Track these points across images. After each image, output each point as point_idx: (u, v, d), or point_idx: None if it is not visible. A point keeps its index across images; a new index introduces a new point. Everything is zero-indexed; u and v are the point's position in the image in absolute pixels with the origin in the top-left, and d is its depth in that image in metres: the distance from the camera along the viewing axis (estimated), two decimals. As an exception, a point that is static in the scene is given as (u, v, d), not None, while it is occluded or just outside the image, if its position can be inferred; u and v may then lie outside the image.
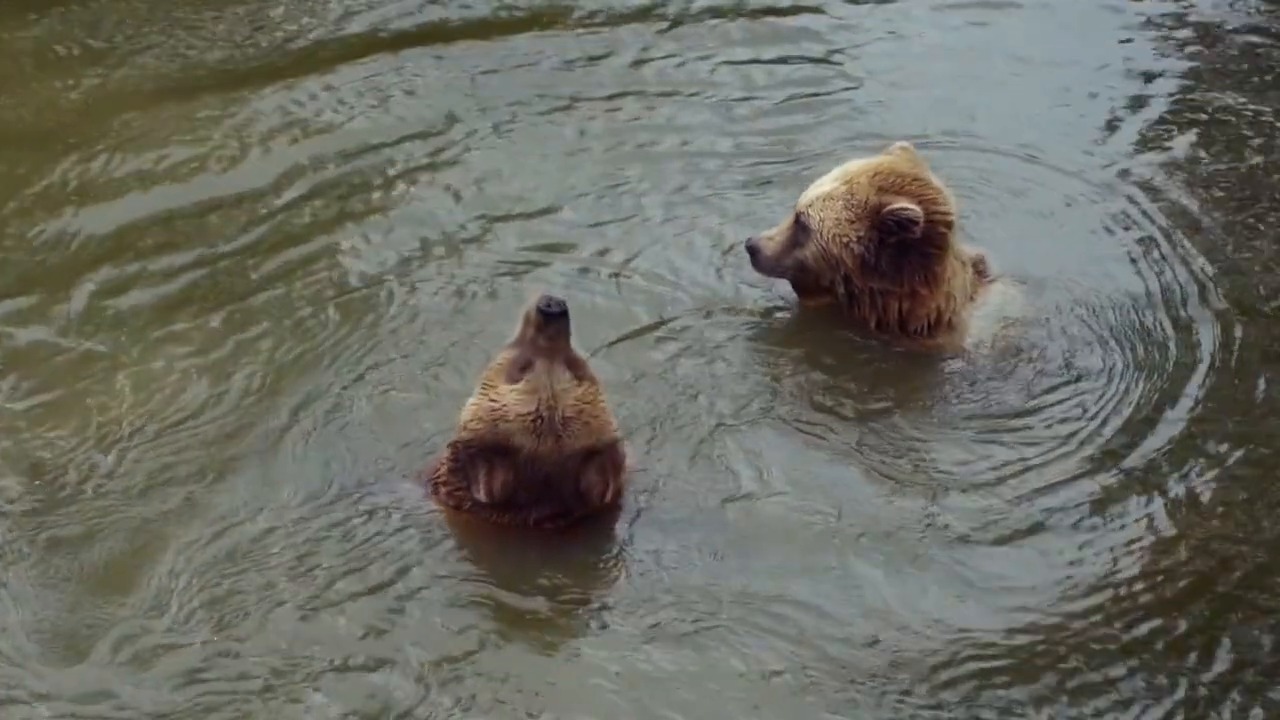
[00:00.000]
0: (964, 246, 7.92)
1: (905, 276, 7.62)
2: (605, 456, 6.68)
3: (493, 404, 6.63)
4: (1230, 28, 10.70)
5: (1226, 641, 6.45)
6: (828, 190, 7.72)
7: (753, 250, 7.92)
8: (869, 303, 7.72)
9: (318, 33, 10.39)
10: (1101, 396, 7.59)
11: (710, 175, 9.10)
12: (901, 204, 7.48)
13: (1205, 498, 7.06)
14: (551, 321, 6.58)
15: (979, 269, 7.89)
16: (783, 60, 10.19)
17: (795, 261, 7.82)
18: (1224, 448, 7.32)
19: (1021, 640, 6.44)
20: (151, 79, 9.93)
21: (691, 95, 9.84)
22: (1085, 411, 7.51)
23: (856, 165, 7.77)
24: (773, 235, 7.89)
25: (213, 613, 6.45)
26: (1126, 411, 7.52)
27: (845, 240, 7.63)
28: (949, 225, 7.62)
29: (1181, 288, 8.27)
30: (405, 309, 8.06)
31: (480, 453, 6.66)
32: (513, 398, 6.61)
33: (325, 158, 9.25)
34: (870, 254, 7.61)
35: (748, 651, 6.37)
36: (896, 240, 7.58)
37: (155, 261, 8.42)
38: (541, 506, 6.71)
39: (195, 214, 8.79)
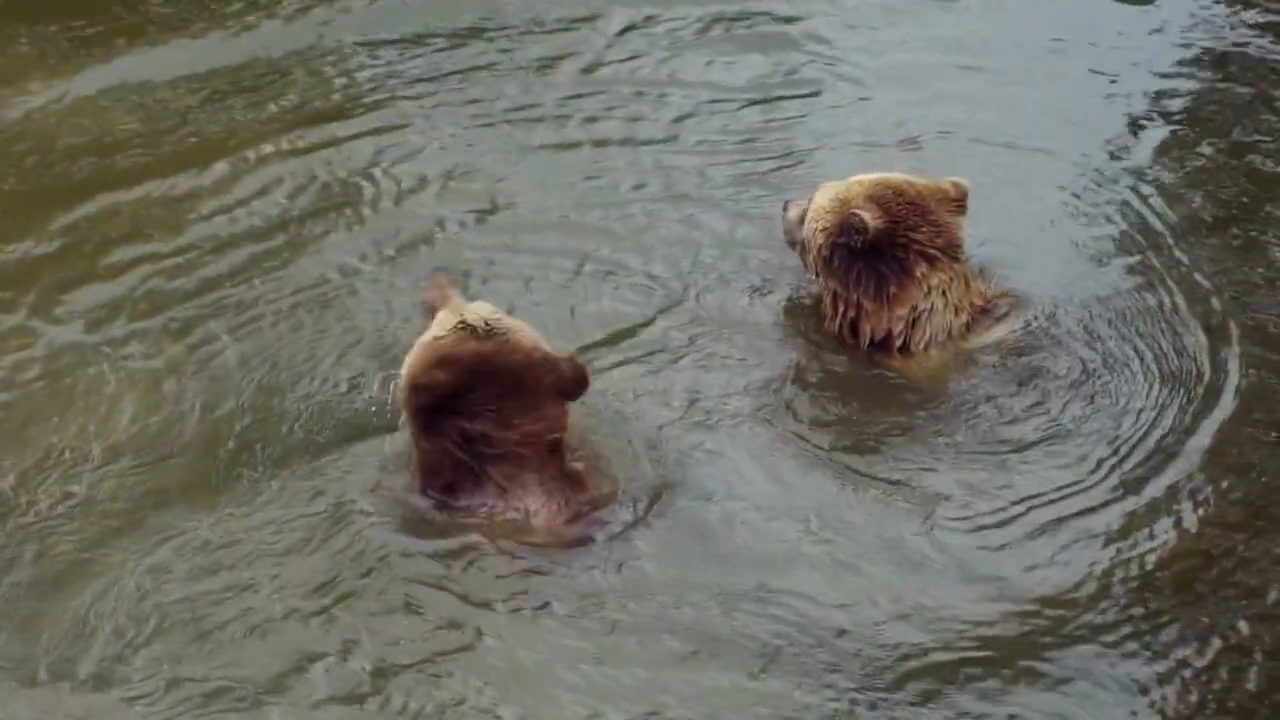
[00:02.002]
0: (980, 286, 7.89)
1: (852, 283, 7.71)
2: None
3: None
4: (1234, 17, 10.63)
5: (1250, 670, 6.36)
6: (842, 180, 7.85)
7: (784, 210, 8.09)
8: (827, 300, 7.84)
9: (269, 28, 10.30)
10: (1098, 412, 7.48)
11: (693, 175, 9.03)
12: (861, 211, 7.58)
13: (1211, 519, 6.98)
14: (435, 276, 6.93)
15: (987, 309, 7.85)
16: (763, 52, 10.14)
17: (800, 237, 7.96)
18: (1232, 464, 7.22)
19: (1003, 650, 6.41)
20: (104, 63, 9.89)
21: (670, 89, 9.77)
22: (1078, 430, 7.40)
23: (885, 173, 7.87)
24: (801, 204, 8.01)
25: (166, 626, 6.40)
26: (1120, 425, 7.40)
27: (816, 226, 7.78)
28: (923, 256, 7.64)
29: (1188, 292, 8.15)
30: (367, 310, 8.01)
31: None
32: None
33: (285, 152, 9.20)
34: (825, 248, 7.73)
35: (725, 653, 6.36)
36: (845, 242, 7.67)
37: (102, 261, 8.32)
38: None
39: (143, 209, 8.69)
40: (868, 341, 7.70)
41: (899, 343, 7.67)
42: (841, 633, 6.41)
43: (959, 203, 7.73)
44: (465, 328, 6.70)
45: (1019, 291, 7.96)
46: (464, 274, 8.06)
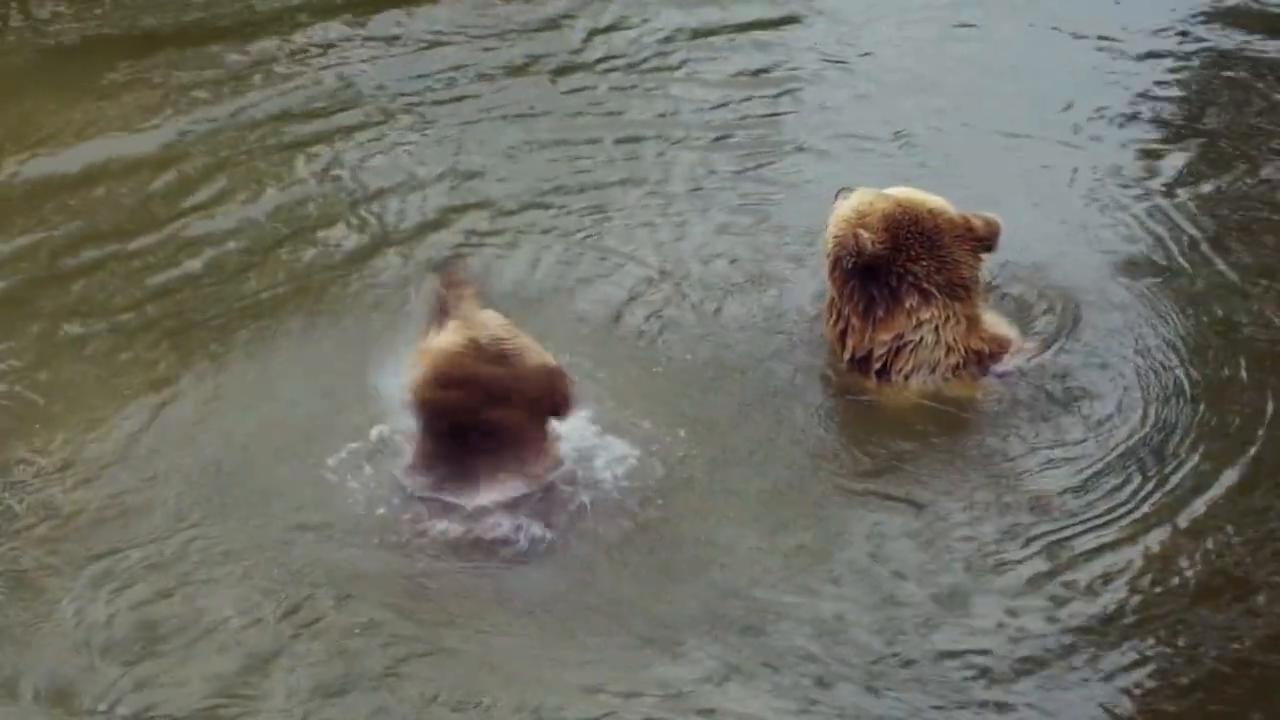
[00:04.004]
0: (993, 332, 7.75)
1: (846, 296, 7.68)
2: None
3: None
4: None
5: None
6: (874, 191, 7.74)
7: (834, 199, 7.95)
8: (825, 305, 7.84)
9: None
10: (1111, 435, 7.33)
11: (684, 169, 8.97)
12: (864, 232, 7.53)
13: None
14: (448, 270, 6.86)
15: (985, 358, 7.69)
16: (754, 43, 10.07)
17: None
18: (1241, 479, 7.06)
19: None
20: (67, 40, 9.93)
21: (660, 78, 9.71)
22: (1088, 453, 7.25)
23: (921, 193, 7.73)
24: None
25: (139, 644, 6.32)
26: (1138, 451, 7.24)
27: (829, 232, 7.75)
28: (916, 289, 7.57)
29: (1208, 300, 7.99)
30: (342, 307, 7.94)
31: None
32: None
33: (257, 131, 9.17)
34: (831, 255, 7.72)
35: (718, 662, 6.28)
36: (840, 257, 7.63)
37: (57, 251, 8.26)
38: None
39: (99, 196, 8.65)
40: (849, 357, 7.67)
41: (878, 366, 7.62)
42: (833, 646, 6.32)
43: (985, 241, 7.60)
44: (477, 348, 6.76)
45: (1044, 335, 7.84)
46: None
